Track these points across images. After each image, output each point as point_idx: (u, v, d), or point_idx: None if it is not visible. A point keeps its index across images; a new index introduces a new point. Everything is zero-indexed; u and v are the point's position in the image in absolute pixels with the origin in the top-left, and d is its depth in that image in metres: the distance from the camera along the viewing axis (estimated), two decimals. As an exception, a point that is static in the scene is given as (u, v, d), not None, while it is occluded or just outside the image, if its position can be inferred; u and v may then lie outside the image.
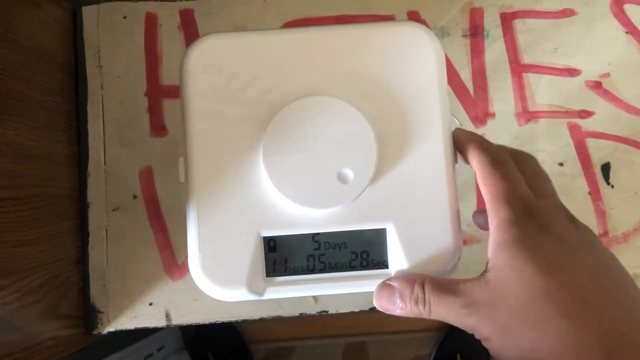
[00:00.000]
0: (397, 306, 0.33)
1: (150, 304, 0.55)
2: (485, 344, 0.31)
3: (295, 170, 0.35)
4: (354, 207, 0.36)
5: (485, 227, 0.37)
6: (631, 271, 0.54)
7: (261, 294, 0.36)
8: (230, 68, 0.36)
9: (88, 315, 0.54)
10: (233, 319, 0.54)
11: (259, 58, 0.36)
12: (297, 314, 0.55)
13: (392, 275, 0.35)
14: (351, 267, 0.37)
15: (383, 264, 0.36)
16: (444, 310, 0.31)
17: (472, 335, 0.31)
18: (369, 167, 0.35)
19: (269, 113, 0.36)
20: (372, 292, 0.36)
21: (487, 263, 0.32)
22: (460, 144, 0.36)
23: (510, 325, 0.29)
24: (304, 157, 0.35)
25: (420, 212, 0.36)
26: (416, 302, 0.33)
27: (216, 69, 0.36)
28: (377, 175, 0.36)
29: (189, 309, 0.55)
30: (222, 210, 0.36)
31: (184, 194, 0.36)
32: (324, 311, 0.55)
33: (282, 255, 0.36)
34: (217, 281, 0.35)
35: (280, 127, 0.35)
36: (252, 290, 0.36)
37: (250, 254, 0.35)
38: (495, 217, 0.32)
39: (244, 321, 0.56)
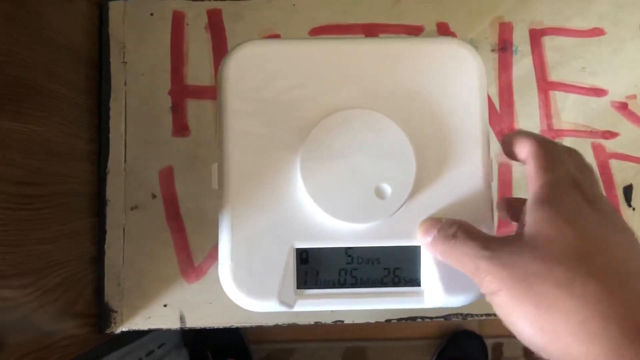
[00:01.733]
0: (431, 236, 0.33)
1: (165, 306, 0.54)
2: (491, 298, 0.29)
3: (333, 183, 0.35)
4: (389, 223, 0.35)
5: (510, 216, 0.36)
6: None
7: (291, 306, 0.36)
8: (269, 76, 0.36)
9: (102, 314, 0.54)
10: (248, 325, 0.54)
11: (299, 67, 0.36)
12: (313, 322, 0.54)
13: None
14: (383, 284, 0.36)
15: (415, 282, 0.36)
16: (466, 248, 0.31)
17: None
18: (407, 184, 0.35)
19: (307, 124, 0.35)
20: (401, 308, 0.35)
21: (521, 221, 0.30)
22: (511, 142, 0.34)
23: (530, 277, 0.28)
24: (342, 170, 0.35)
25: (455, 231, 0.35)
26: (445, 237, 0.32)
27: (255, 76, 0.36)
28: (415, 191, 0.35)
29: (204, 312, 0.54)
30: (256, 220, 0.35)
31: (217, 201, 0.36)
32: (340, 321, 0.54)
33: (314, 268, 0.36)
34: (248, 291, 0.35)
35: (319, 139, 0.35)
36: (282, 301, 0.35)
37: (282, 265, 0.35)
38: (537, 180, 0.31)
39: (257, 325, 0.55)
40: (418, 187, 0.35)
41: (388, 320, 0.54)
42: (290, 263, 0.35)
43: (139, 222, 0.55)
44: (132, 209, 0.55)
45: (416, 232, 0.35)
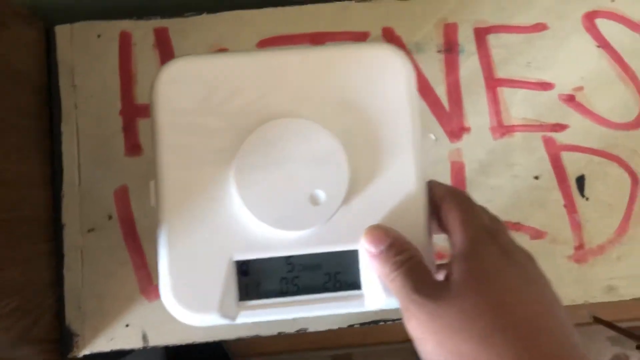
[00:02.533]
0: (378, 250, 0.34)
1: (127, 325, 0.54)
2: (419, 344, 0.31)
3: (268, 192, 0.35)
4: (327, 229, 0.36)
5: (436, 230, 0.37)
6: (606, 282, 0.55)
7: (234, 319, 0.36)
8: (201, 90, 0.36)
9: (63, 338, 0.53)
10: (210, 339, 0.54)
11: (230, 80, 0.36)
12: (276, 333, 0.54)
13: (390, 231, 0.35)
14: (324, 289, 0.37)
15: (356, 285, 0.36)
16: (399, 288, 0.32)
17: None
18: (341, 188, 0.35)
19: (240, 136, 0.35)
20: (346, 313, 0.36)
21: (448, 272, 0.32)
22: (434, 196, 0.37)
23: (453, 330, 0.29)
24: (277, 179, 0.35)
25: (393, 232, 0.36)
26: (388, 260, 0.33)
27: (187, 91, 0.36)
28: (350, 196, 0.36)
29: (167, 329, 0.54)
30: (193, 234, 0.35)
31: (155, 218, 0.36)
32: (303, 329, 0.54)
33: (255, 279, 0.36)
34: (188, 306, 0.35)
35: (252, 150, 0.35)
36: (224, 314, 0.35)
37: (222, 278, 0.35)
38: (459, 234, 0.33)
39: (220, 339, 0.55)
40: (353, 192, 0.36)
41: (351, 326, 0.55)
42: (230, 276, 0.35)
43: (97, 244, 0.55)
44: (89, 231, 0.55)
45: (358, 235, 0.35)
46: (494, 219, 0.36)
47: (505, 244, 0.33)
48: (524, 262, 0.33)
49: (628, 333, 1.00)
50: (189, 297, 0.35)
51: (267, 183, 0.35)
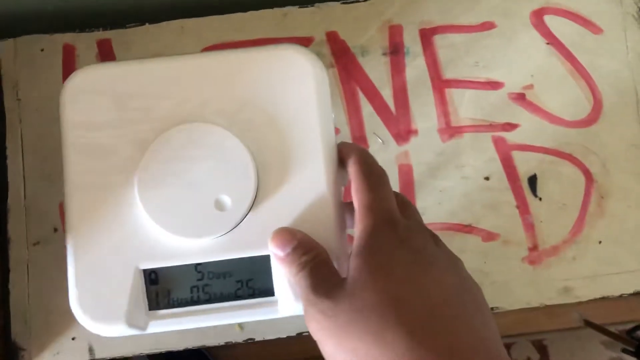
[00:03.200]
0: (284, 252, 0.33)
1: (73, 339, 0.54)
2: (320, 347, 0.30)
3: (172, 200, 0.34)
4: (236, 235, 0.35)
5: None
6: (561, 284, 0.54)
7: (143, 329, 0.35)
8: (105, 100, 0.36)
9: (9, 354, 0.53)
10: (157, 351, 0.53)
11: (135, 87, 0.36)
12: (223, 343, 0.53)
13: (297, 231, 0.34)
14: (237, 297, 0.36)
15: (269, 292, 0.36)
16: (301, 287, 0.32)
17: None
18: (247, 193, 0.35)
19: (144, 143, 0.35)
20: (256, 320, 0.35)
21: (347, 269, 0.31)
22: (342, 157, 0.36)
23: (349, 329, 0.29)
24: (180, 187, 0.34)
25: (304, 237, 0.35)
26: (293, 262, 0.33)
27: (91, 101, 0.36)
28: (259, 201, 0.35)
29: (113, 341, 0.53)
30: (99, 244, 0.35)
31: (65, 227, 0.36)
32: (251, 339, 0.54)
33: (164, 288, 0.36)
34: (95, 316, 0.35)
35: (155, 157, 0.35)
36: (132, 324, 0.35)
37: (128, 287, 0.35)
38: (359, 224, 0.32)
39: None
40: (262, 197, 0.35)
41: (299, 334, 0.54)
42: (138, 285, 0.35)
43: (43, 257, 0.55)
44: (34, 244, 0.55)
45: (267, 239, 0.35)
46: (404, 201, 0.35)
47: (404, 230, 0.32)
48: (422, 247, 0.31)
49: (616, 336, 0.98)
50: (95, 307, 0.35)
51: (170, 190, 0.34)
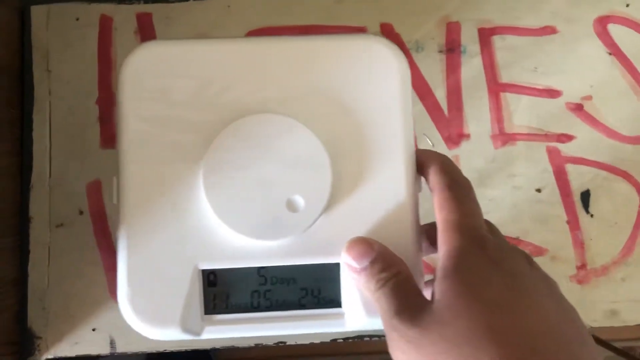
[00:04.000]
0: (361, 265, 0.30)
1: (94, 330, 0.50)
2: None
3: (240, 196, 0.31)
4: (304, 239, 0.32)
5: (427, 250, 0.34)
6: (608, 306, 0.51)
7: (198, 334, 0.32)
8: (171, 80, 0.32)
9: (24, 340, 0.50)
10: (182, 349, 0.50)
11: (203, 69, 0.33)
12: (253, 345, 0.51)
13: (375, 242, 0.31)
14: (300, 305, 0.33)
15: (336, 303, 0.33)
16: (383, 308, 0.29)
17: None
18: (322, 195, 0.32)
19: (211, 131, 0.32)
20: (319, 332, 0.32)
21: (432, 292, 0.29)
22: (421, 164, 0.33)
23: (439, 358, 0.26)
24: (250, 182, 0.31)
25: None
26: (372, 277, 0.30)
27: (156, 79, 0.32)
28: (332, 203, 0.32)
29: (136, 336, 0.49)
30: (156, 239, 0.32)
31: (116, 217, 0.33)
32: (282, 342, 0.51)
33: (223, 291, 0.33)
34: (148, 319, 0.32)
35: (224, 148, 0.32)
36: (186, 329, 0.32)
37: (185, 288, 0.32)
38: (445, 244, 0.29)
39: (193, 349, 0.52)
40: (335, 198, 0.32)
41: (334, 340, 0.51)
42: (195, 286, 0.32)
43: (65, 241, 0.51)
44: (57, 226, 0.51)
45: (339, 247, 0.31)
46: (489, 224, 0.33)
47: (494, 250, 0.29)
48: (516, 269, 0.28)
49: (625, 354, 0.97)
50: (147, 309, 0.32)
51: (238, 186, 0.31)
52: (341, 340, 0.51)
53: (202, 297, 0.32)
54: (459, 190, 0.31)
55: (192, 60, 0.33)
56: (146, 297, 0.32)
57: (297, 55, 0.33)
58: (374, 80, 0.33)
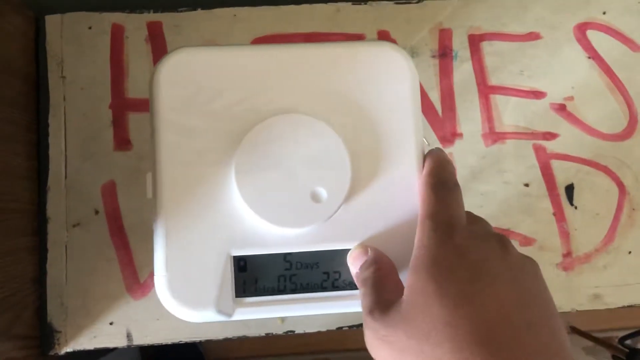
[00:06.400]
0: (356, 269, 0.34)
1: (111, 324, 0.53)
2: None
3: (268, 188, 0.34)
4: (326, 227, 0.35)
5: None
6: (592, 291, 0.55)
7: (230, 315, 0.35)
8: (202, 83, 0.35)
9: (44, 335, 0.52)
10: (197, 339, 0.53)
11: (232, 73, 0.36)
12: (264, 334, 0.54)
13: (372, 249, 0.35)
14: (323, 288, 0.36)
15: (354, 285, 0.36)
16: (364, 302, 0.31)
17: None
18: (343, 186, 0.35)
19: (241, 130, 0.35)
20: (343, 312, 0.35)
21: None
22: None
23: (405, 355, 0.27)
24: (277, 175, 0.34)
25: (393, 233, 0.35)
26: (359, 278, 0.33)
27: (188, 83, 0.35)
28: (351, 194, 0.35)
29: (152, 328, 0.53)
30: (191, 228, 0.35)
31: (152, 211, 0.35)
32: (291, 331, 0.54)
33: (252, 275, 0.36)
34: (185, 302, 0.34)
35: (253, 145, 0.35)
36: (220, 311, 0.34)
37: (219, 273, 0.34)
38: (417, 239, 0.31)
39: (207, 339, 0.54)
40: (354, 190, 0.35)
41: (339, 328, 0.54)
42: (227, 271, 0.35)
43: (82, 239, 0.54)
44: (74, 225, 0.54)
45: (357, 234, 0.35)
46: (475, 217, 0.34)
47: (463, 239, 0.29)
48: (483, 259, 0.28)
49: (605, 343, 1.01)
50: (184, 292, 0.34)
51: (267, 179, 0.34)
52: (346, 328, 0.54)
53: (233, 282, 0.35)
54: (441, 190, 0.32)
55: (221, 65, 0.36)
56: (183, 282, 0.34)
57: (319, 61, 0.36)
58: (388, 83, 0.36)
